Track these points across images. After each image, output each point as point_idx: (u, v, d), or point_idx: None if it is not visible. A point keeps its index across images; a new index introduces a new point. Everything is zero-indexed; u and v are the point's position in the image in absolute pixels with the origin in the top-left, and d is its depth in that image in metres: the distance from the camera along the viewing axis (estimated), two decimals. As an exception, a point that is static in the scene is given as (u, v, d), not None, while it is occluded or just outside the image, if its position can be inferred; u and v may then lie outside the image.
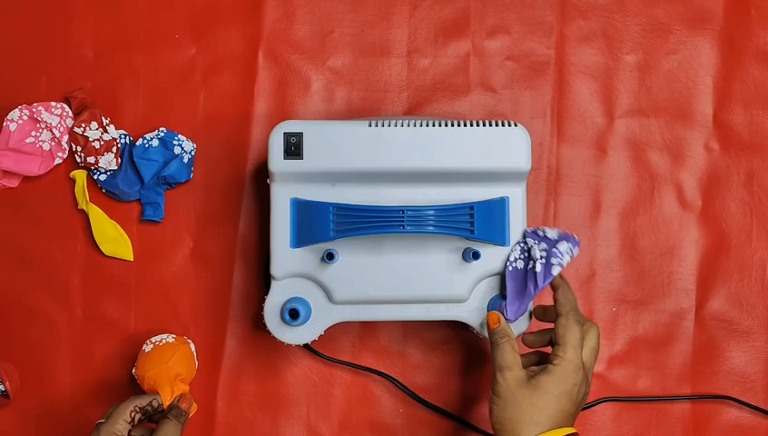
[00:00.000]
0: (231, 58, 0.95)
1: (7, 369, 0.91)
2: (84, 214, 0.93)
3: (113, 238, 0.93)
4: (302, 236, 0.84)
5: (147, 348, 0.86)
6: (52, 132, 0.92)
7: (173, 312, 0.93)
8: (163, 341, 0.87)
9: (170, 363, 0.84)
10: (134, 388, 0.92)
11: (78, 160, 0.92)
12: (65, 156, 0.93)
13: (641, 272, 0.95)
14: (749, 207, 0.95)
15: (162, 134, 0.93)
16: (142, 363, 0.85)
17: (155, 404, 0.81)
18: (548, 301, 0.86)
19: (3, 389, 0.90)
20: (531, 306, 0.83)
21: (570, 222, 0.95)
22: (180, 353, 0.86)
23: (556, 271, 0.79)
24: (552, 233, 0.83)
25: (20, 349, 0.93)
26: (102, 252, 0.93)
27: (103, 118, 0.92)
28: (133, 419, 0.79)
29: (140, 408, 0.80)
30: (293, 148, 0.83)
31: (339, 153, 0.83)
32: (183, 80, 0.95)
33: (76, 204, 0.93)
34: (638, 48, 0.96)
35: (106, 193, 0.93)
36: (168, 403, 0.82)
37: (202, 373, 0.93)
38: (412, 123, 0.83)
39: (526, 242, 0.83)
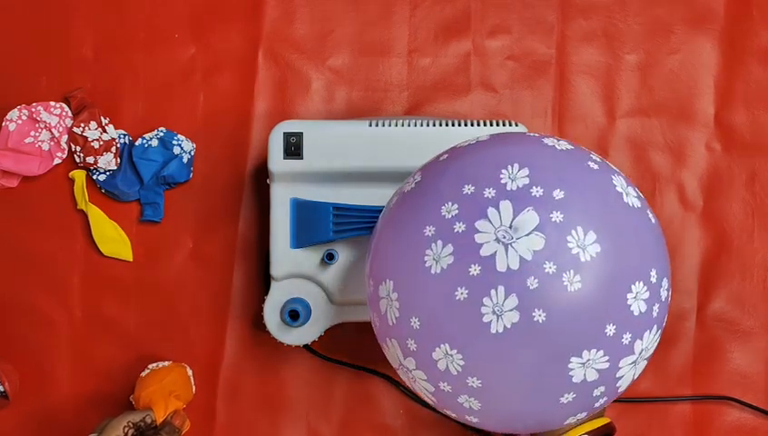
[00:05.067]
0: (230, 58, 0.95)
1: (6, 369, 0.91)
2: (84, 215, 0.93)
3: (112, 238, 0.93)
4: (302, 236, 0.84)
5: (144, 373, 0.87)
6: (51, 132, 0.92)
7: (173, 312, 0.93)
8: (160, 366, 0.87)
9: (164, 383, 0.84)
10: (132, 393, 0.92)
11: (77, 160, 0.92)
12: (65, 156, 0.93)
13: (642, 273, 0.95)
14: (750, 207, 0.95)
15: (162, 134, 0.92)
16: (138, 386, 0.85)
17: (149, 420, 0.81)
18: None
19: (2, 389, 0.90)
20: None
21: (571, 222, 0.95)
22: (175, 375, 0.86)
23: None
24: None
25: (19, 349, 0.93)
26: (101, 253, 0.93)
27: (102, 118, 0.92)
28: (126, 434, 0.78)
29: (133, 423, 0.79)
30: (293, 148, 0.83)
31: (339, 153, 0.83)
32: (183, 80, 0.95)
33: (75, 205, 0.93)
34: (639, 48, 0.96)
35: (105, 193, 0.93)
36: (161, 420, 0.82)
37: (203, 374, 0.92)
38: (412, 123, 0.83)
39: None
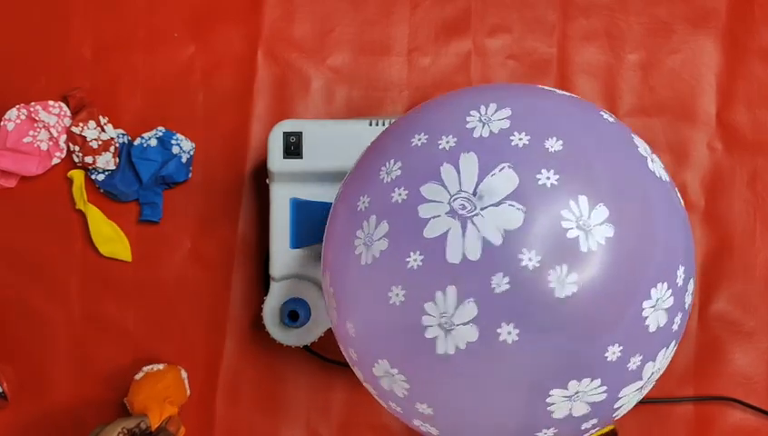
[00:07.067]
0: (230, 57, 0.95)
1: (5, 370, 0.91)
2: (82, 215, 0.93)
3: (110, 238, 0.92)
4: (302, 236, 0.83)
5: (138, 376, 0.86)
6: (49, 131, 0.91)
7: (172, 312, 0.93)
8: (154, 369, 0.87)
9: (159, 388, 0.84)
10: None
11: (76, 160, 0.92)
12: (63, 156, 0.92)
13: (644, 273, 0.94)
14: (752, 207, 0.95)
15: (161, 134, 0.92)
16: (133, 390, 0.85)
17: (143, 426, 0.81)
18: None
19: (1, 390, 0.90)
20: None
21: (572, 222, 0.95)
22: (169, 379, 0.86)
23: None
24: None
25: (17, 350, 0.93)
26: (99, 253, 0.93)
27: (101, 117, 0.92)
28: None
29: (128, 430, 0.79)
30: (293, 147, 0.82)
31: (339, 153, 0.82)
32: (182, 79, 0.94)
33: (74, 204, 0.93)
34: (641, 47, 0.96)
35: (104, 193, 0.93)
36: (156, 425, 0.82)
37: (202, 374, 0.92)
38: (413, 122, 0.83)
39: None
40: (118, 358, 0.93)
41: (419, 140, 0.41)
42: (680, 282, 0.43)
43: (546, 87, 0.46)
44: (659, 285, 0.42)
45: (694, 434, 0.93)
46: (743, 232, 0.95)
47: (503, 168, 0.39)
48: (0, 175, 0.92)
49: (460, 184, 0.39)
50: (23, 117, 0.91)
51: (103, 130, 0.91)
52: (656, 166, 0.45)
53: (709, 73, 0.96)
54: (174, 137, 0.92)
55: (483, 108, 0.41)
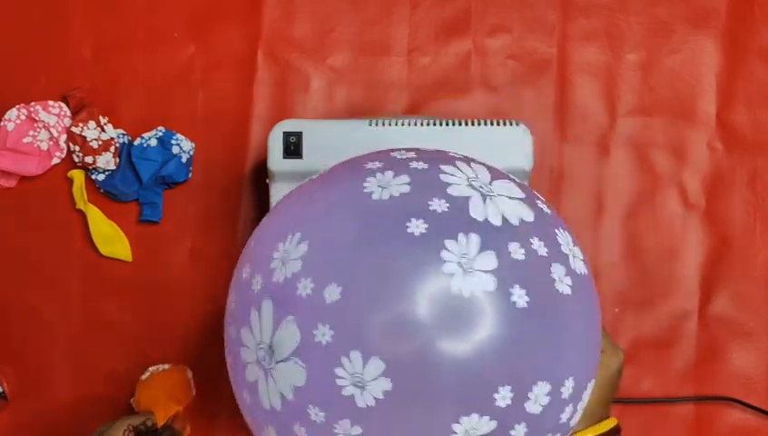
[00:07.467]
0: (230, 57, 0.95)
1: (5, 370, 0.91)
2: (82, 215, 0.93)
3: (111, 238, 0.92)
4: (302, 237, 0.83)
5: (144, 376, 0.86)
6: (49, 131, 0.91)
7: (172, 312, 0.93)
8: (160, 369, 0.87)
9: (165, 386, 0.84)
10: (131, 394, 0.92)
11: (76, 160, 0.92)
12: (63, 156, 0.92)
13: (644, 273, 0.94)
14: (752, 207, 0.95)
15: (161, 134, 0.92)
16: (139, 390, 0.85)
17: (149, 423, 0.81)
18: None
19: (1, 390, 0.90)
20: None
21: (572, 222, 0.94)
22: (175, 378, 0.86)
23: None
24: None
25: (17, 350, 0.93)
26: (100, 253, 0.92)
27: (100, 117, 0.92)
28: None
29: (133, 427, 0.79)
30: (293, 147, 0.82)
31: (339, 153, 0.82)
32: (182, 79, 0.94)
33: (74, 205, 0.93)
34: (641, 47, 0.96)
35: (104, 193, 0.93)
36: (162, 423, 0.82)
37: (202, 375, 0.92)
38: (413, 122, 0.83)
39: None
40: (118, 358, 0.92)
41: (245, 273, 0.40)
42: (505, 402, 0.41)
43: (374, 183, 0.43)
44: (463, 419, 0.40)
45: (694, 434, 0.93)
46: (743, 232, 0.95)
47: (288, 321, 0.39)
48: (0, 175, 0.92)
49: (261, 333, 0.40)
50: (23, 117, 0.91)
51: (103, 130, 0.91)
52: (474, 279, 0.39)
53: (709, 73, 0.96)
54: (174, 137, 0.92)
55: (290, 238, 0.39)
